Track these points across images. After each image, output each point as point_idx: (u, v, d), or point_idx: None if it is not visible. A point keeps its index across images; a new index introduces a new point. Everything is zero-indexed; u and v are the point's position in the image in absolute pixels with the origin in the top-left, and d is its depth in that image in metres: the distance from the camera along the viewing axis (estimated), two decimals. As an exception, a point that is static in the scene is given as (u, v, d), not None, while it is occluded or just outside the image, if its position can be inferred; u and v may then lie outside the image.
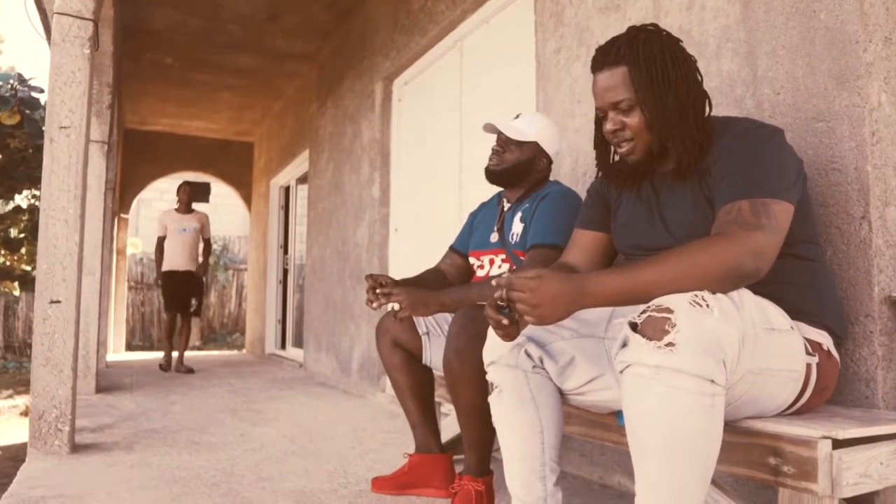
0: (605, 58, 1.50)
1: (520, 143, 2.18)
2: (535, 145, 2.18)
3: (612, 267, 1.30)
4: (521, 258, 2.12)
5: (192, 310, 6.51)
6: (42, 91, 7.71)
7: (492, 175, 2.23)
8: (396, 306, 2.02)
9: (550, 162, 2.24)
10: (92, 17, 3.00)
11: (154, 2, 5.26)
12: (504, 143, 2.20)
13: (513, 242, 2.17)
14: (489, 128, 2.24)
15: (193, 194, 6.80)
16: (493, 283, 1.30)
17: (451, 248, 2.45)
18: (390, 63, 4.55)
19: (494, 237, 2.25)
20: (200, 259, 6.63)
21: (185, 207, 6.59)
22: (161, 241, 6.55)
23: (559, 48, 2.73)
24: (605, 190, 1.72)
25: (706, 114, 1.49)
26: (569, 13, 2.68)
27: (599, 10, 2.50)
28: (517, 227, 2.17)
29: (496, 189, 2.40)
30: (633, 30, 1.51)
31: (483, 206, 2.44)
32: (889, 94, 1.62)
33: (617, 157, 1.62)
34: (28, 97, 7.45)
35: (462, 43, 3.81)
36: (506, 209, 2.27)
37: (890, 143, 1.61)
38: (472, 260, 2.34)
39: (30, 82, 7.63)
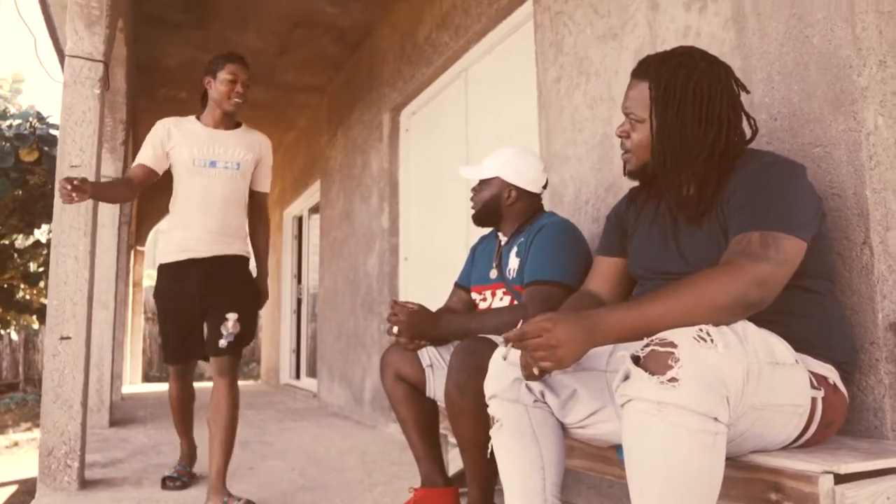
0: (639, 67, 1.56)
1: (486, 182, 2.24)
2: (498, 181, 2.22)
3: (622, 303, 1.30)
4: (521, 292, 2.12)
5: (224, 344, 2.63)
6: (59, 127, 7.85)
7: (476, 219, 2.30)
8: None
9: (524, 192, 2.23)
10: (102, 59, 3.07)
11: (167, 40, 5.37)
12: (476, 188, 2.28)
13: (510, 278, 2.17)
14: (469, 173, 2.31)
15: None
16: (503, 337, 1.30)
17: (457, 285, 2.46)
18: (397, 94, 4.59)
19: (493, 273, 2.27)
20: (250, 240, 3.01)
21: (223, 116, 2.81)
22: (136, 181, 2.73)
23: (559, 77, 2.74)
24: (624, 214, 1.73)
25: (732, 145, 1.47)
26: (568, 42, 2.70)
27: (598, 39, 2.52)
28: (513, 262, 2.18)
29: None
30: (675, 50, 1.54)
31: (483, 239, 2.45)
32: (886, 117, 1.61)
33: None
34: (46, 135, 7.59)
35: (466, 73, 3.84)
36: (502, 244, 2.28)
37: (888, 167, 1.59)
38: (474, 295, 2.35)
39: (48, 120, 7.77)
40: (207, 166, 2.76)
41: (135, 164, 2.76)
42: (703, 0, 2.05)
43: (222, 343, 2.63)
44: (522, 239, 2.17)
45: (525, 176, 2.22)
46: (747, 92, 1.57)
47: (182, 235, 2.73)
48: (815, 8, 1.70)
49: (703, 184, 1.46)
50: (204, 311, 2.71)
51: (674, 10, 2.17)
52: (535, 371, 1.33)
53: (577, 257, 2.06)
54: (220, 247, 2.75)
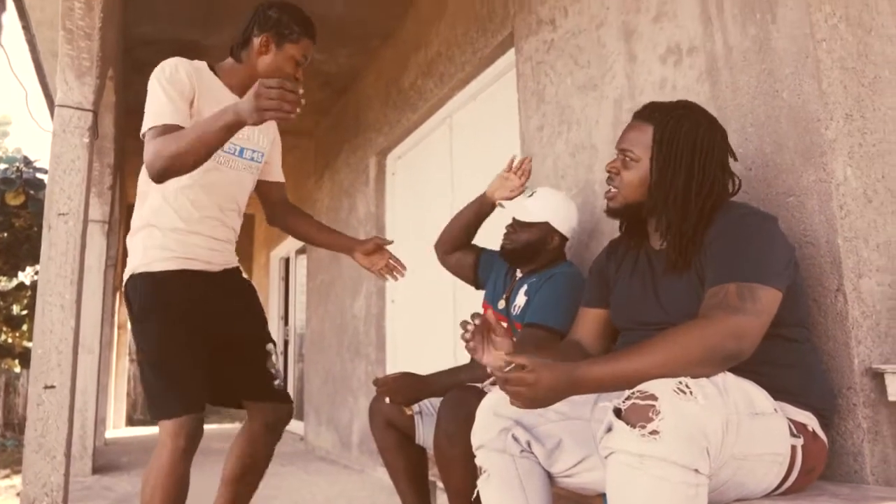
0: (644, 110, 1.62)
1: (531, 223, 2.18)
2: (546, 225, 2.17)
3: (602, 356, 1.34)
4: (519, 329, 2.14)
5: (280, 385, 2.14)
6: (46, 172, 7.88)
7: (506, 255, 2.24)
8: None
9: (564, 239, 2.23)
10: (92, 108, 3.10)
11: (155, 85, 5.42)
12: (516, 222, 2.21)
13: (514, 314, 2.19)
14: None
15: None
16: (489, 382, 1.33)
17: (478, 249, 2.50)
18: (383, 138, 4.66)
19: (502, 304, 2.28)
20: None
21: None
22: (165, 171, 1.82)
23: (542, 125, 2.81)
24: (604, 266, 1.77)
25: (718, 200, 1.53)
26: (549, 91, 2.77)
27: (578, 89, 2.59)
28: (521, 299, 2.20)
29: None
30: (680, 102, 1.61)
31: (498, 257, 2.39)
32: (854, 168, 1.67)
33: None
34: (33, 178, 7.62)
35: (451, 119, 3.92)
36: (517, 278, 2.29)
37: (858, 216, 1.65)
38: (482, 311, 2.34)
39: (35, 164, 7.80)
40: (236, 155, 2.04)
41: (153, 129, 1.82)
42: (678, 54, 2.13)
43: (279, 384, 2.08)
44: (535, 279, 2.18)
45: (569, 224, 2.21)
46: (735, 159, 1.62)
47: (186, 240, 1.99)
48: (784, 64, 1.77)
49: (694, 230, 1.51)
50: (228, 342, 2.03)
51: (650, 63, 2.25)
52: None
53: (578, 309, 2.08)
54: (230, 257, 2.15)
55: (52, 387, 2.85)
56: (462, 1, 3.62)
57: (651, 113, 1.59)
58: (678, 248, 1.52)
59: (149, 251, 1.96)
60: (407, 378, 2.05)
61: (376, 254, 2.27)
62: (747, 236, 1.42)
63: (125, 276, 2.01)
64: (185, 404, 1.87)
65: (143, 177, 1.94)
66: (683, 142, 1.53)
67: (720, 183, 1.55)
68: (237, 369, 2.06)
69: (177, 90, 1.87)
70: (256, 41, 1.98)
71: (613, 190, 1.63)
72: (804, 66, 1.71)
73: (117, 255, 7.58)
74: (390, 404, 2.24)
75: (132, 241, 2.02)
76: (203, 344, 1.97)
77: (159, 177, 1.77)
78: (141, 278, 1.95)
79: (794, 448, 1.33)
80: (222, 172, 2.02)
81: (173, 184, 1.88)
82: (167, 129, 1.80)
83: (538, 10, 2.90)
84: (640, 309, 1.59)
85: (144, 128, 1.85)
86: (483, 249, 2.49)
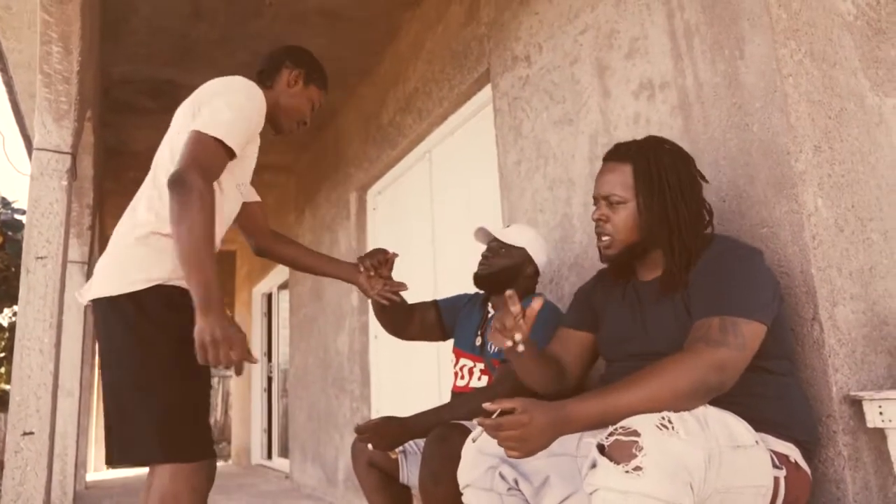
0: (616, 151, 1.62)
1: (509, 250, 2.22)
2: (523, 252, 2.22)
3: (588, 393, 1.34)
4: (496, 366, 2.14)
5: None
6: (24, 213, 7.82)
7: (480, 280, 2.25)
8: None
9: (537, 272, 2.27)
10: (70, 151, 3.11)
11: (136, 125, 5.43)
12: (494, 249, 2.25)
13: (492, 352, 2.19)
14: (481, 235, 2.30)
15: None
16: (477, 422, 1.33)
17: (434, 302, 2.47)
18: (363, 174, 4.69)
19: (478, 341, 2.27)
20: None
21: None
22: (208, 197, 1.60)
23: (520, 160, 2.85)
24: (591, 293, 1.78)
25: (701, 231, 1.57)
26: (526, 126, 2.82)
27: (554, 124, 2.64)
28: None
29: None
30: (650, 138, 1.64)
31: (470, 299, 2.44)
32: (824, 198, 1.71)
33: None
34: (10, 219, 7.55)
35: (430, 154, 3.95)
36: (489, 315, 2.30)
37: (831, 246, 1.68)
38: (453, 358, 2.34)
39: (13, 205, 7.74)
40: (246, 183, 1.96)
41: (219, 142, 1.65)
42: (651, 89, 2.18)
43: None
44: None
45: (543, 256, 2.26)
46: (706, 182, 1.67)
47: None
48: (754, 98, 1.82)
49: (689, 258, 1.53)
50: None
51: (624, 98, 2.29)
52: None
53: None
54: None
55: (31, 433, 2.80)
56: (439, 38, 3.68)
57: (625, 152, 1.62)
58: (682, 267, 1.53)
59: (166, 263, 1.67)
60: (388, 423, 2.03)
61: (374, 277, 2.18)
62: (732, 270, 1.44)
63: (123, 287, 1.66)
64: (206, 446, 1.67)
65: (162, 175, 1.73)
66: (666, 173, 1.56)
67: (698, 212, 1.59)
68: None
69: (252, 124, 1.77)
70: (287, 73, 1.97)
71: (607, 238, 1.61)
72: (773, 100, 1.76)
73: (97, 295, 7.49)
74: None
75: (136, 247, 1.69)
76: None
77: (178, 182, 1.56)
78: (158, 292, 1.66)
79: (776, 480, 1.34)
80: (234, 202, 1.89)
81: (220, 201, 1.75)
82: (225, 158, 1.68)
83: (513, 46, 2.95)
84: (629, 340, 1.61)
85: (213, 130, 1.65)
86: (438, 301, 2.50)
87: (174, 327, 1.62)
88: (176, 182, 1.55)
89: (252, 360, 1.52)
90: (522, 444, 1.28)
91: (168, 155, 1.76)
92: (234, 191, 1.85)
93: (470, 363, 2.27)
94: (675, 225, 1.54)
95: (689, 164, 1.62)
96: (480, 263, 2.27)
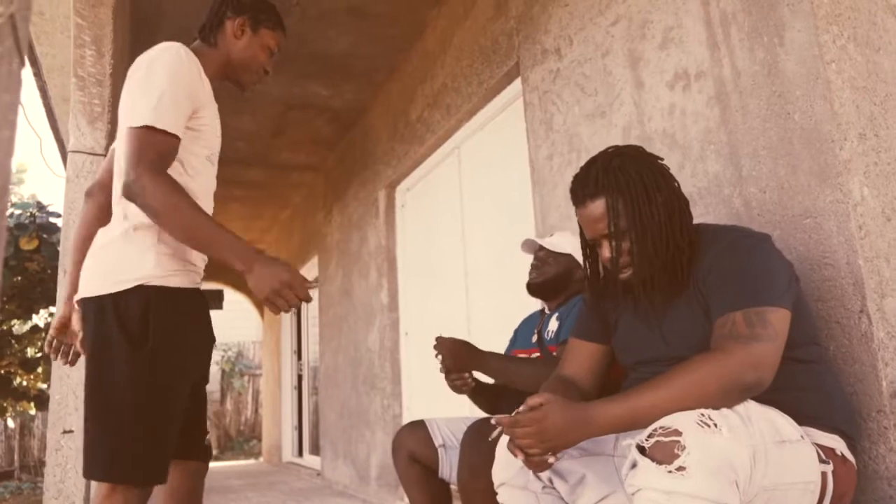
0: (584, 190, 1.51)
1: (556, 258, 2.26)
2: (570, 258, 2.25)
3: (613, 395, 1.31)
4: (552, 352, 2.15)
5: (207, 438, 1.81)
6: (59, 216, 7.96)
7: (533, 288, 2.28)
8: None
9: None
10: (104, 153, 3.14)
11: (165, 126, 5.49)
12: (542, 258, 2.28)
13: (548, 339, 2.20)
14: (527, 245, 2.33)
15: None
16: (493, 421, 1.31)
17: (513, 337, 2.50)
18: (392, 171, 4.69)
19: (534, 338, 2.31)
20: None
21: (222, 76, 1.84)
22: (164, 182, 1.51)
23: (551, 154, 2.82)
24: (601, 304, 1.72)
25: (686, 222, 1.51)
26: (558, 120, 2.79)
27: (586, 117, 2.60)
28: (553, 325, 2.22)
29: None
30: (605, 156, 1.54)
31: (524, 321, 2.49)
32: (870, 187, 1.66)
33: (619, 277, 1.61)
34: (46, 223, 7.68)
35: (459, 150, 3.94)
36: (546, 313, 2.33)
37: (878, 236, 1.63)
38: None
39: (48, 208, 7.87)
40: (216, 152, 1.75)
41: (149, 129, 1.50)
42: (687, 79, 2.14)
43: (208, 440, 1.79)
44: (564, 308, 2.22)
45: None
46: (661, 159, 1.57)
47: (186, 250, 1.61)
48: (794, 86, 1.77)
49: (690, 252, 1.48)
50: (197, 384, 1.72)
51: (658, 89, 2.25)
52: (521, 456, 1.33)
53: None
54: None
55: (71, 431, 2.84)
56: (466, 33, 3.66)
57: (594, 185, 1.49)
58: (681, 264, 1.48)
59: (163, 259, 1.56)
60: (463, 346, 2.10)
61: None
62: (745, 261, 1.39)
63: (107, 287, 1.53)
64: (151, 469, 1.50)
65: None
66: (639, 183, 1.47)
67: (683, 202, 1.52)
68: (186, 418, 1.63)
69: (183, 94, 1.57)
70: (230, 24, 1.77)
71: (628, 270, 1.50)
72: (815, 88, 1.71)
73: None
74: (415, 438, 2.23)
75: (125, 241, 1.57)
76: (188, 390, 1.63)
77: (132, 194, 1.48)
78: (153, 293, 1.53)
79: (824, 475, 1.30)
80: (207, 175, 1.71)
81: (187, 181, 1.60)
82: (167, 141, 1.53)
83: (543, 39, 2.92)
84: (646, 347, 1.56)
85: (139, 120, 1.51)
86: (514, 332, 2.51)
87: (142, 337, 1.50)
88: (130, 195, 1.49)
89: (313, 285, 1.51)
90: (540, 442, 1.26)
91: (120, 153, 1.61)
92: (204, 164, 1.68)
93: (526, 355, 2.30)
94: (670, 224, 1.47)
95: (654, 161, 1.53)
96: (531, 273, 2.31)
